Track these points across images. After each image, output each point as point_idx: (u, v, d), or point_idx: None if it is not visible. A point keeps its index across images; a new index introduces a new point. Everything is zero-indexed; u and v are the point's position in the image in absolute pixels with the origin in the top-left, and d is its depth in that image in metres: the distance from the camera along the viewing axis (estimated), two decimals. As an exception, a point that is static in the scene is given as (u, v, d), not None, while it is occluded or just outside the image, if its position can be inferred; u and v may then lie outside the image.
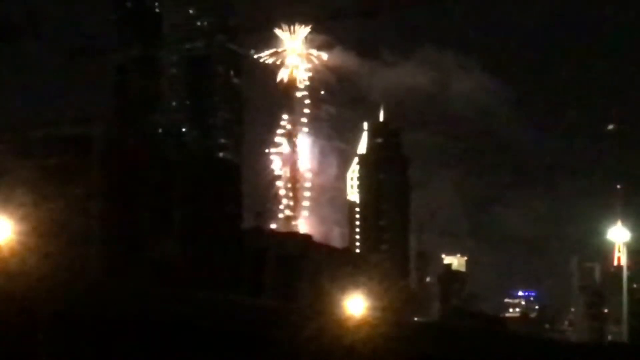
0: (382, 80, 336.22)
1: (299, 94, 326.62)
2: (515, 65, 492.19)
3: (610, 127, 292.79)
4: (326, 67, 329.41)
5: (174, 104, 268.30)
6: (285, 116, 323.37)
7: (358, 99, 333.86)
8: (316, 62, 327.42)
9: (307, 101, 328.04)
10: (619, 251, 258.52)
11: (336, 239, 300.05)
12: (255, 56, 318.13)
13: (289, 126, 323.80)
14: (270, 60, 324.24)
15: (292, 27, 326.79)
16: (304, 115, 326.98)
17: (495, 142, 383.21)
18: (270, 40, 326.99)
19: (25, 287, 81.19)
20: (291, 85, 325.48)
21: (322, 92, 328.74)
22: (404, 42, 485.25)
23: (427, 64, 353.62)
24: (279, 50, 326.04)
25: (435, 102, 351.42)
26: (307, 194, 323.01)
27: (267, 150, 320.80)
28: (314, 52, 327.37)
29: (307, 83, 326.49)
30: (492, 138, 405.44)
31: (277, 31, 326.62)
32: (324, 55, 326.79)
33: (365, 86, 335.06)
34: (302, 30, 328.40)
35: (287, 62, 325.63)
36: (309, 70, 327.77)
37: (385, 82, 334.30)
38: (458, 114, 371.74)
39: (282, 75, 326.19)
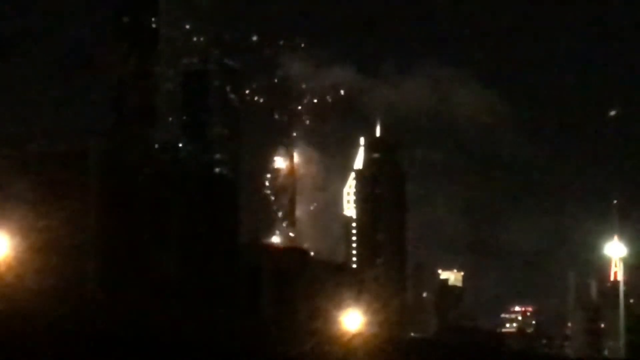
0: (380, 96, 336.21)
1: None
2: (516, 80, 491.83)
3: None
4: (325, 82, 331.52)
5: (170, 119, 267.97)
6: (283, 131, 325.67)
7: (355, 114, 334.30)
8: (329, 99, 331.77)
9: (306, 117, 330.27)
10: (616, 266, 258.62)
11: (333, 254, 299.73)
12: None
13: (286, 141, 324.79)
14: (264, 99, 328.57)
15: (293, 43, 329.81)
16: (302, 130, 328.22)
17: (494, 158, 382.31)
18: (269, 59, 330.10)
19: (22, 302, 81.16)
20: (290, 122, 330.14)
21: (321, 109, 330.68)
22: (403, 57, 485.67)
23: (427, 79, 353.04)
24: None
25: (435, 118, 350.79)
26: (303, 208, 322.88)
27: (264, 165, 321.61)
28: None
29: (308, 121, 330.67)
30: (490, 153, 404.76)
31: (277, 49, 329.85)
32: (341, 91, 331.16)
33: (363, 101, 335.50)
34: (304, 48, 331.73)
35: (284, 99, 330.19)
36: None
37: (384, 98, 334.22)
38: (457, 129, 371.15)
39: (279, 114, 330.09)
